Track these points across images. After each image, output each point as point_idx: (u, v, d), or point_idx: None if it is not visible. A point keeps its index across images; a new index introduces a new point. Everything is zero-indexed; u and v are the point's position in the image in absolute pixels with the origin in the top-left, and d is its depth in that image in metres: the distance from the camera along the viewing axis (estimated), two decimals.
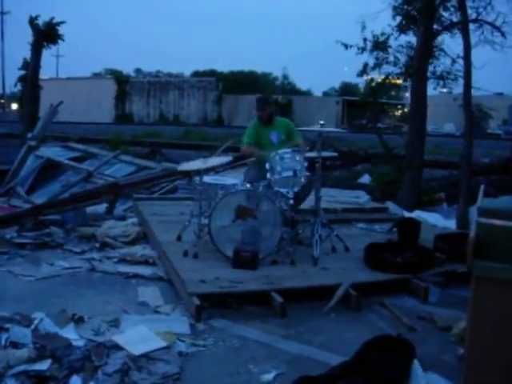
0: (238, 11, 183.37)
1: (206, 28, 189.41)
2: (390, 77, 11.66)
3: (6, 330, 3.88)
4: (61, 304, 4.58)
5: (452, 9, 10.00)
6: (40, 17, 18.00)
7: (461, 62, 9.39)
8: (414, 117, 9.65)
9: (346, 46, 11.02)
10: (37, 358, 3.53)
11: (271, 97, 8.60)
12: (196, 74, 70.49)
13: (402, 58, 11.18)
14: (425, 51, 9.39)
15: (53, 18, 18.13)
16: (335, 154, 8.66)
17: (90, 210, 7.95)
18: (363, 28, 10.72)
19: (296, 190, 5.58)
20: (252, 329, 4.31)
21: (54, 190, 10.19)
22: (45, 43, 18.17)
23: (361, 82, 14.32)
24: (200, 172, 5.84)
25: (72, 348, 3.72)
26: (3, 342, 3.72)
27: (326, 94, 73.30)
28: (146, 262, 5.89)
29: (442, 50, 10.64)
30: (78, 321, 4.19)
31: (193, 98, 54.56)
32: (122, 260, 5.97)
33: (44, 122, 13.35)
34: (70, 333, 3.98)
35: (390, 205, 8.87)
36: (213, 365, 3.72)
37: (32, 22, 17.83)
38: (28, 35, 17.92)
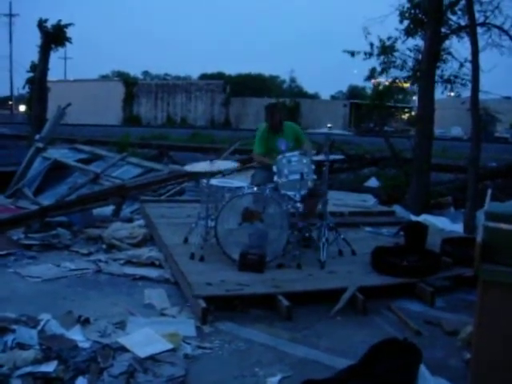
0: (244, 12, 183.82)
1: (214, 29, 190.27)
2: (397, 80, 11.68)
3: (13, 331, 3.87)
4: (67, 305, 4.59)
5: (460, 12, 10.04)
6: (48, 20, 18.05)
7: (468, 65, 9.41)
8: (421, 120, 9.62)
9: (352, 54, 11.09)
10: (43, 359, 3.53)
11: (279, 102, 8.61)
12: (203, 76, 70.66)
13: (410, 62, 11.22)
14: (432, 55, 9.37)
15: (60, 21, 18.18)
16: (342, 157, 8.65)
17: (96, 211, 7.98)
18: (366, 35, 10.80)
19: (303, 192, 5.58)
20: (258, 332, 4.30)
21: (61, 192, 10.23)
22: (53, 45, 18.20)
23: (368, 86, 14.36)
24: (207, 175, 5.85)
25: (78, 349, 3.72)
26: (10, 343, 3.72)
27: (333, 97, 73.34)
28: (152, 264, 5.89)
29: (449, 53, 10.66)
30: (84, 322, 4.18)
31: (200, 100, 54.68)
32: (129, 262, 5.97)
33: (52, 123, 13.41)
34: (76, 334, 3.98)
35: (397, 208, 8.85)
36: (218, 368, 3.72)
37: (41, 25, 17.86)
38: (36, 37, 17.97)
